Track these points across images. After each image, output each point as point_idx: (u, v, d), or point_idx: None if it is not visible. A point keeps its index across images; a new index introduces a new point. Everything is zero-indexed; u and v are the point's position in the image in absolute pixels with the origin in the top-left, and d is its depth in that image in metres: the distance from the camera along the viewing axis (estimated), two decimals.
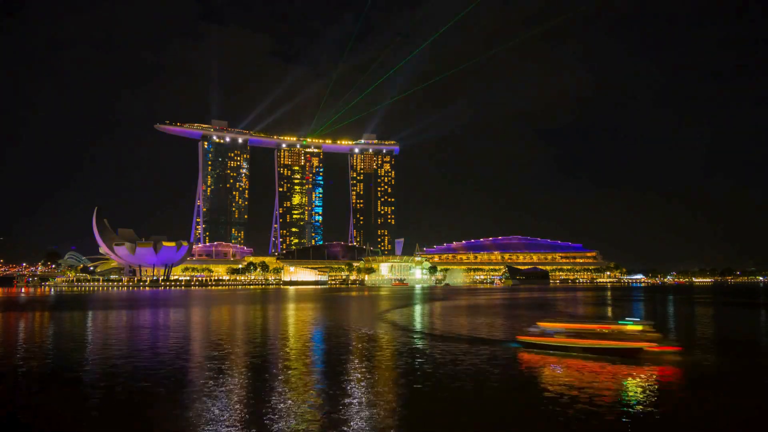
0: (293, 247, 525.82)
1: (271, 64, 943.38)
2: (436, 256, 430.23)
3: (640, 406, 19.78)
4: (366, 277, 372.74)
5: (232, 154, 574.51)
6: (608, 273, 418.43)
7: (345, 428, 17.15)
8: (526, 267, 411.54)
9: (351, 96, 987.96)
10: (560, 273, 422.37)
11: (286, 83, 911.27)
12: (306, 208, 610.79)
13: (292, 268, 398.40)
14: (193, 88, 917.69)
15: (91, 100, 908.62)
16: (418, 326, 51.73)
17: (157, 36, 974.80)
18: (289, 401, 20.75)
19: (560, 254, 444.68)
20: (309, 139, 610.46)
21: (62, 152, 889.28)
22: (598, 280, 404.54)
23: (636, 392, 22.09)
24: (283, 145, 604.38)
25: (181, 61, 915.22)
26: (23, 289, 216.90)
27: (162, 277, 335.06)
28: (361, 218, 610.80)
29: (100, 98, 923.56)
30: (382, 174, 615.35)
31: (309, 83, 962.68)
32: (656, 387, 23.04)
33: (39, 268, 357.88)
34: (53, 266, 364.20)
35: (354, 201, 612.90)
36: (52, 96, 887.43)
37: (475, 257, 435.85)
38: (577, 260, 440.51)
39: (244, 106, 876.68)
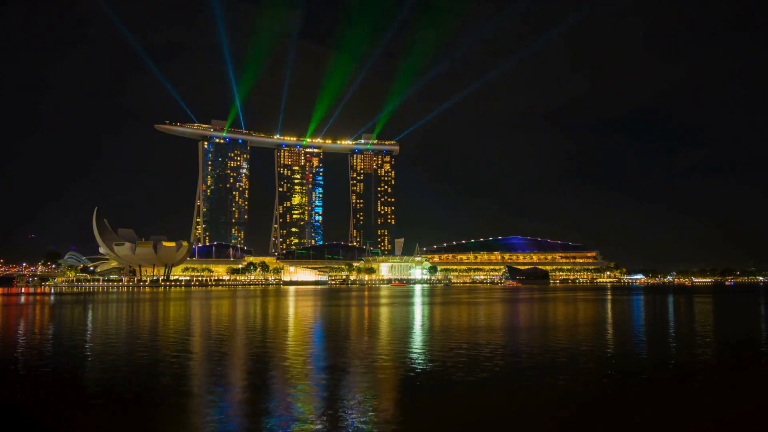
0: (293, 247, 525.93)
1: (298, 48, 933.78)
2: (436, 256, 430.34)
3: None
4: (366, 277, 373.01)
5: (232, 154, 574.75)
6: (608, 273, 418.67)
7: None
8: (526, 267, 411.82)
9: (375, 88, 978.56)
10: (560, 273, 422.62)
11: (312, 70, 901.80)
12: (306, 208, 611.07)
13: (292, 268, 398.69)
14: (207, 79, 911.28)
15: (93, 99, 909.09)
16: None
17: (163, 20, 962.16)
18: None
19: (560, 254, 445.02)
20: (309, 139, 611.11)
21: (62, 152, 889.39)
22: (598, 280, 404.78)
23: None
24: (283, 145, 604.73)
25: (200, 47, 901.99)
26: (23, 289, 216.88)
27: (162, 277, 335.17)
28: (361, 218, 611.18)
29: (103, 97, 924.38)
30: (382, 174, 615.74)
31: (339, 67, 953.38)
32: None
33: (39, 268, 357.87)
34: (53, 266, 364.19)
35: (354, 201, 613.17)
36: (52, 95, 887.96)
37: (475, 257, 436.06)
38: (577, 260, 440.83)
39: (265, 98, 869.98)
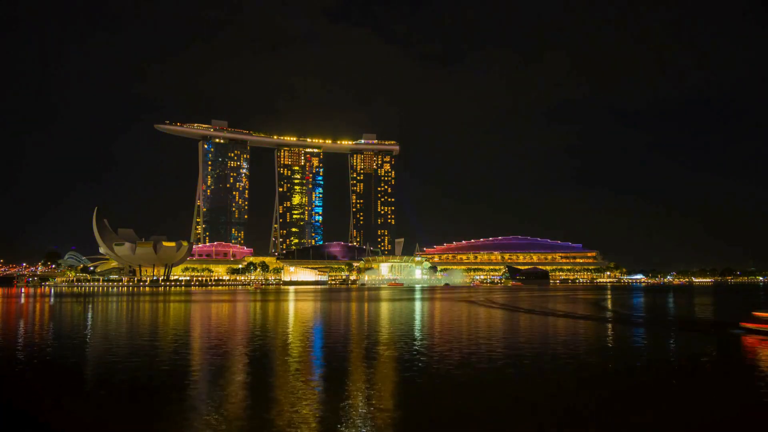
0: (293, 247, 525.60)
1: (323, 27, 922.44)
2: (436, 256, 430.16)
3: None
4: (366, 277, 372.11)
5: (232, 154, 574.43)
6: (608, 273, 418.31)
7: None
8: (526, 267, 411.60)
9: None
10: (560, 273, 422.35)
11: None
12: (306, 208, 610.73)
13: (292, 268, 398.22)
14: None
15: (93, 100, 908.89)
16: None
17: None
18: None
19: (560, 254, 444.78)
20: (309, 139, 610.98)
21: (62, 153, 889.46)
22: (598, 280, 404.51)
23: None
24: (283, 145, 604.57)
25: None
26: (23, 289, 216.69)
27: (162, 277, 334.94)
28: (361, 218, 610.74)
29: (102, 98, 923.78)
30: (382, 174, 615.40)
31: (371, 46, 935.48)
32: None
33: (39, 268, 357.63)
34: (53, 266, 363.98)
35: (354, 201, 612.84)
36: (51, 97, 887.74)
37: (475, 257, 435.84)
38: (577, 260, 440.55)
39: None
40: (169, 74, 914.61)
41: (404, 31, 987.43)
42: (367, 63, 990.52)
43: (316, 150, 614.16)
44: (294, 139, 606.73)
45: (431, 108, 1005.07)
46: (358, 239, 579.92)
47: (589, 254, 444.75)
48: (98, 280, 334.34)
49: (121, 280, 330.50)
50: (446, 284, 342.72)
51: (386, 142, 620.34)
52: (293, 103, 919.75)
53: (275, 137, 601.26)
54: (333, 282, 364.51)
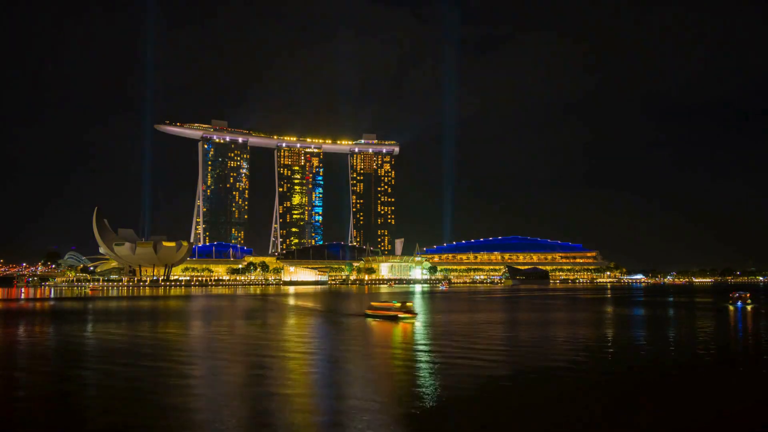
0: (293, 247, 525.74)
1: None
2: (436, 256, 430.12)
3: None
4: (366, 277, 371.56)
5: (232, 154, 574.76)
6: (608, 273, 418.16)
7: None
8: (526, 267, 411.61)
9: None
10: (560, 273, 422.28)
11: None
12: (306, 208, 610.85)
13: (292, 268, 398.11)
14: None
15: (93, 99, 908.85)
16: None
17: None
18: None
19: (560, 254, 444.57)
20: (309, 139, 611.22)
21: (62, 152, 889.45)
22: (598, 281, 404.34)
23: None
24: (283, 145, 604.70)
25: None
26: (23, 290, 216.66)
27: (162, 277, 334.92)
28: (361, 218, 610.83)
29: (103, 97, 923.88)
30: (382, 174, 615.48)
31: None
32: None
33: (39, 268, 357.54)
34: (53, 266, 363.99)
35: (354, 201, 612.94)
36: (51, 93, 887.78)
37: (475, 257, 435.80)
38: (577, 260, 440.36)
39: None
40: (173, 66, 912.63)
41: (442, 13, 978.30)
42: (396, 48, 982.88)
43: (316, 150, 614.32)
44: (294, 139, 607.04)
45: (432, 106, 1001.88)
46: (358, 239, 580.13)
47: (589, 254, 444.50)
48: (98, 280, 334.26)
49: (121, 280, 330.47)
50: (446, 282, 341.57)
51: (386, 142, 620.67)
52: (293, 102, 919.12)
53: (275, 137, 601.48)
54: (333, 282, 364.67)
